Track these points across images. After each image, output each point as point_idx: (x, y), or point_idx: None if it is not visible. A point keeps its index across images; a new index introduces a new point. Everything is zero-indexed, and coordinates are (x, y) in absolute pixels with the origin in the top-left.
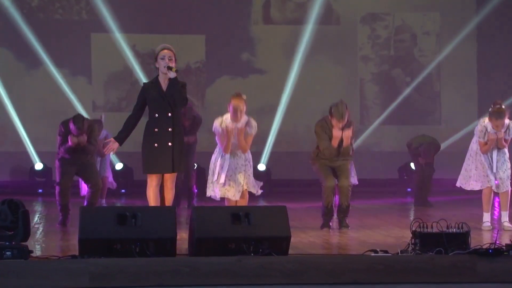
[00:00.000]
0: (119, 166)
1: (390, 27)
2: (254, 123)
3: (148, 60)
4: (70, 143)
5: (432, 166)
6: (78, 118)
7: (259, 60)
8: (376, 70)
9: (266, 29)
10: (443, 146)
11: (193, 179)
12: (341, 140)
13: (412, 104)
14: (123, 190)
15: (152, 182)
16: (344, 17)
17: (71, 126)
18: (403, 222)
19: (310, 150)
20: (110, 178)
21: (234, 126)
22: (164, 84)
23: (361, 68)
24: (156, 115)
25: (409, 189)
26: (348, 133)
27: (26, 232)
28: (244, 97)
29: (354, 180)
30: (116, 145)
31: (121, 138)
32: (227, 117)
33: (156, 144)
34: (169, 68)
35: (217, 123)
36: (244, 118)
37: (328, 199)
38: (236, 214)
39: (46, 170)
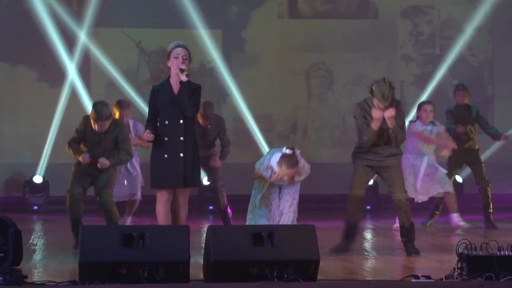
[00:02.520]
0: None
1: (434, 22)
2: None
3: (156, 59)
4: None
5: (484, 175)
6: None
7: (284, 59)
8: (419, 72)
9: (292, 24)
10: (496, 157)
11: (225, 196)
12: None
13: None
14: None
15: (162, 198)
16: (382, 10)
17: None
18: (448, 243)
19: (340, 161)
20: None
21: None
22: (176, 87)
23: (401, 68)
24: (166, 122)
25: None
26: (390, 112)
27: (17, 254)
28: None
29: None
30: (152, 135)
31: (152, 131)
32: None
33: (166, 155)
34: (181, 70)
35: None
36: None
37: (351, 211)
38: (257, 234)
39: (44, 184)
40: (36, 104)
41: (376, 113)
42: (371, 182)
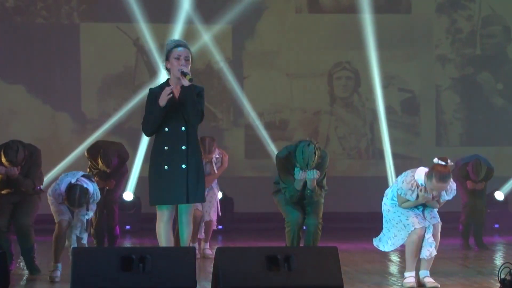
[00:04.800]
0: (128, 196)
1: (475, 17)
2: None
3: (156, 58)
4: None
5: (483, 196)
6: (10, 147)
7: (303, 58)
8: (457, 74)
9: (312, 19)
10: None
11: (115, 215)
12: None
13: (504, 119)
14: (128, 227)
15: (162, 216)
16: (415, 4)
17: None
18: (488, 267)
19: (367, 174)
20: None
21: None
22: (176, 90)
23: (437, 71)
24: (166, 129)
25: (496, 225)
26: (312, 175)
27: (4, 278)
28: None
29: None
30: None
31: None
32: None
33: (166, 167)
34: (183, 74)
35: None
36: None
37: (291, 239)
38: (273, 257)
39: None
40: None
41: (300, 176)
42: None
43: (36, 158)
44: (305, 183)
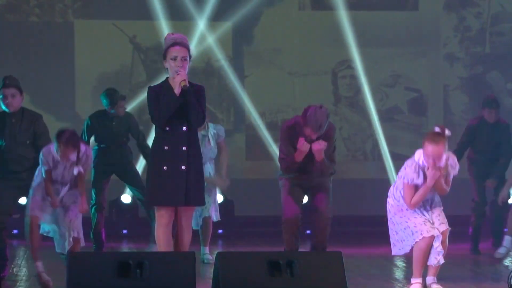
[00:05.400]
0: (126, 198)
1: (484, 15)
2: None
3: (154, 56)
4: None
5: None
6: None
7: (306, 57)
8: (466, 74)
9: (315, 16)
10: None
11: (102, 218)
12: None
13: None
14: (125, 231)
15: (161, 219)
16: (423, 1)
17: None
18: (497, 272)
19: (373, 177)
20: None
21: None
22: (177, 90)
23: (445, 70)
24: (167, 128)
25: (505, 230)
26: (319, 145)
27: None
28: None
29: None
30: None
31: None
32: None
33: (165, 167)
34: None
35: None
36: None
37: (288, 238)
38: (274, 262)
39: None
40: None
41: (301, 146)
42: None
43: (43, 125)
44: (309, 158)
